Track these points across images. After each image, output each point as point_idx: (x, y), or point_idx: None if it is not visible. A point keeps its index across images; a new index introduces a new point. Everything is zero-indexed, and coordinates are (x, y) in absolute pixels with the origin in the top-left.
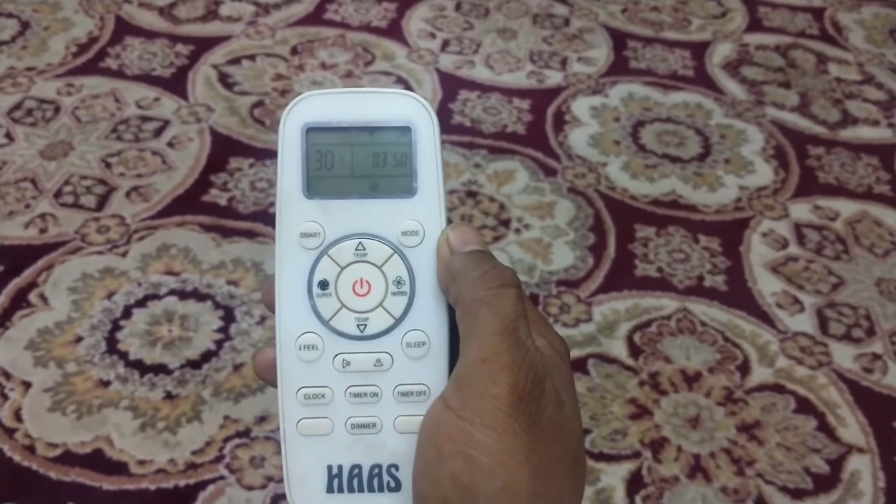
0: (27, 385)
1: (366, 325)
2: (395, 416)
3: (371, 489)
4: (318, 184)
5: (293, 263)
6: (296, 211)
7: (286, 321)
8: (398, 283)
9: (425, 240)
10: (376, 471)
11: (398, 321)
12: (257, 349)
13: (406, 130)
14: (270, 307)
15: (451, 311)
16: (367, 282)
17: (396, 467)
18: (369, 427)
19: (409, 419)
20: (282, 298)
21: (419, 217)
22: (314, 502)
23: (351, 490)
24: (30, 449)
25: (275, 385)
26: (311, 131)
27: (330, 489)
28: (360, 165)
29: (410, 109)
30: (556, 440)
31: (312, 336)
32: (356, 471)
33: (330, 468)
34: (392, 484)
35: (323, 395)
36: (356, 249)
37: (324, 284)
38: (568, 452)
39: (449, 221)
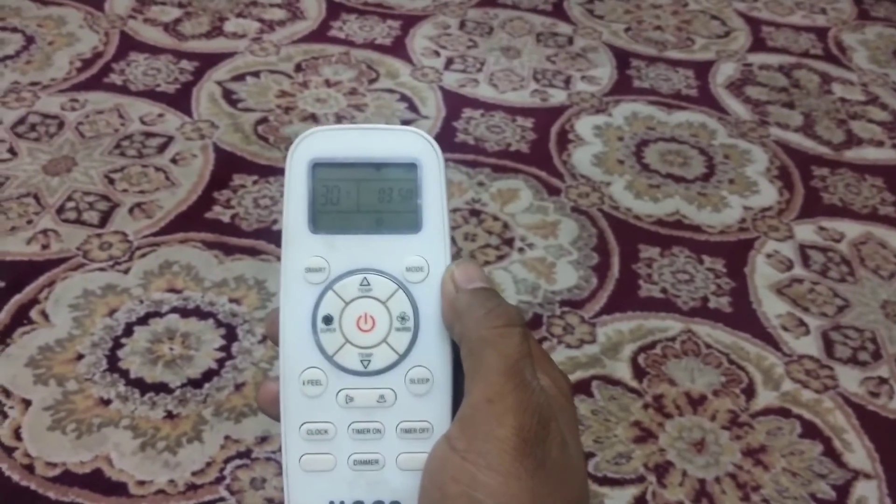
0: (27, 403)
1: (370, 361)
2: (398, 453)
3: None
4: (323, 219)
5: (298, 298)
6: (301, 246)
7: (290, 356)
8: (402, 318)
9: (430, 275)
10: None
11: (402, 357)
12: (261, 382)
13: (412, 167)
14: (274, 340)
15: (456, 348)
16: (371, 317)
17: None
18: (372, 464)
19: (412, 456)
20: (286, 333)
21: (424, 253)
22: None
23: None
24: (29, 468)
25: (278, 419)
26: (318, 167)
27: None
28: (365, 201)
29: (417, 146)
30: (560, 483)
31: (316, 371)
32: None
33: None
34: None
35: (326, 431)
36: (361, 284)
37: (328, 319)
38: (572, 495)
39: (454, 258)
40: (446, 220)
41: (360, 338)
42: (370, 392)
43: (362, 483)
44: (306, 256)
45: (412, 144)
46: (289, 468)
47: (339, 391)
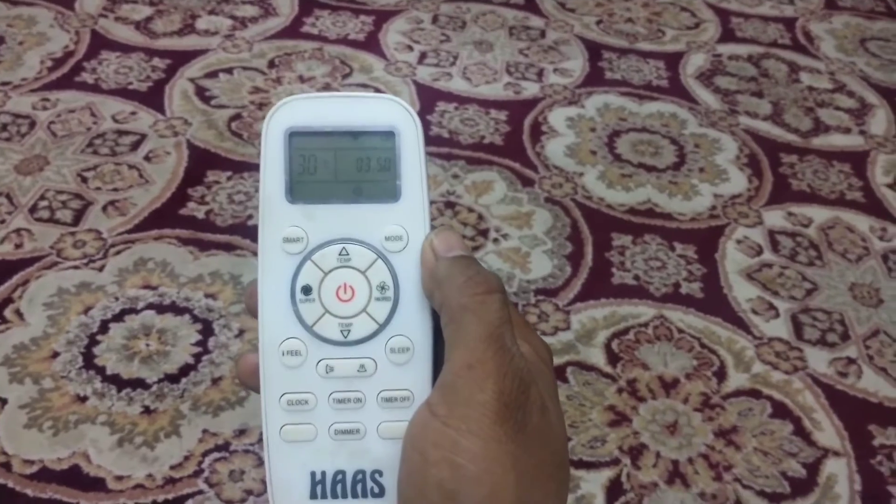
0: (3, 402)
1: (349, 331)
2: (379, 422)
3: (355, 495)
4: (301, 188)
5: (276, 268)
6: (279, 216)
7: (269, 326)
8: (382, 288)
9: (409, 245)
10: (360, 476)
11: (382, 327)
12: (240, 354)
13: (390, 135)
14: (253, 312)
15: (436, 317)
16: (350, 287)
17: (380, 473)
18: (353, 433)
19: (393, 425)
20: (265, 303)
21: (403, 222)
22: None
23: (335, 496)
24: (6, 466)
25: (257, 391)
26: (295, 135)
27: (313, 495)
28: (343, 170)
29: (394, 114)
30: (540, 446)
31: (295, 342)
32: (340, 476)
33: (313, 474)
34: (376, 490)
35: (306, 402)
36: (340, 254)
37: (307, 290)
38: (553, 458)
39: (433, 227)
40: (425, 188)
41: (340, 308)
42: (350, 362)
43: (344, 452)
44: (284, 226)
45: (390, 112)
46: (269, 439)
47: (319, 361)
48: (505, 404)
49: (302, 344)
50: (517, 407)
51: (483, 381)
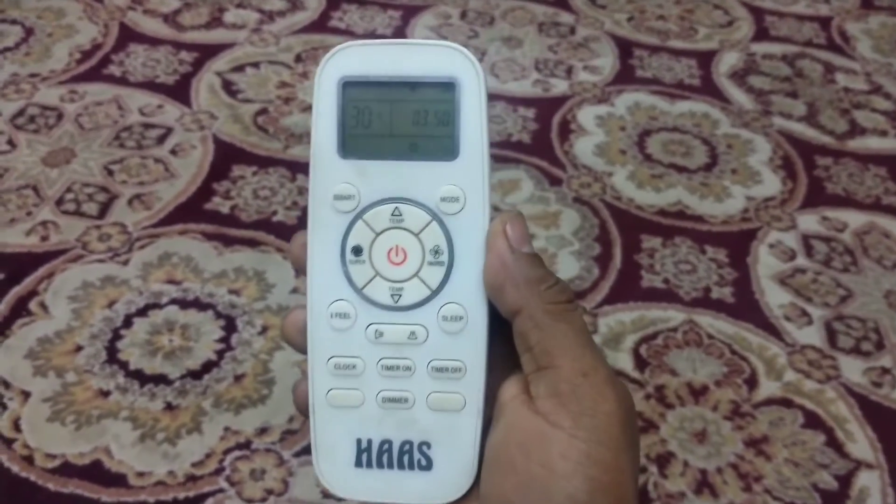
0: (26, 395)
1: (400, 296)
2: (429, 392)
3: (401, 466)
4: (354, 143)
5: (326, 227)
6: (330, 171)
7: (318, 287)
8: (436, 252)
9: (466, 207)
10: (407, 447)
11: (434, 293)
12: (288, 311)
13: (450, 86)
14: (301, 269)
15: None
16: (402, 249)
17: (428, 445)
18: (401, 402)
19: (444, 396)
20: (314, 263)
21: (460, 182)
22: (342, 476)
23: (380, 466)
24: (28, 459)
25: (302, 350)
26: (348, 86)
27: (359, 463)
28: (399, 124)
29: (456, 63)
30: (638, 447)
31: (345, 304)
32: (386, 446)
33: (359, 441)
34: (423, 462)
35: (354, 366)
36: (392, 214)
37: (357, 250)
38: (639, 462)
39: (492, 189)
40: (486, 146)
41: (391, 271)
42: (401, 328)
43: (391, 421)
44: (335, 183)
45: (451, 62)
46: (315, 403)
47: (369, 325)
48: (626, 411)
49: (351, 307)
50: (632, 412)
51: (603, 389)
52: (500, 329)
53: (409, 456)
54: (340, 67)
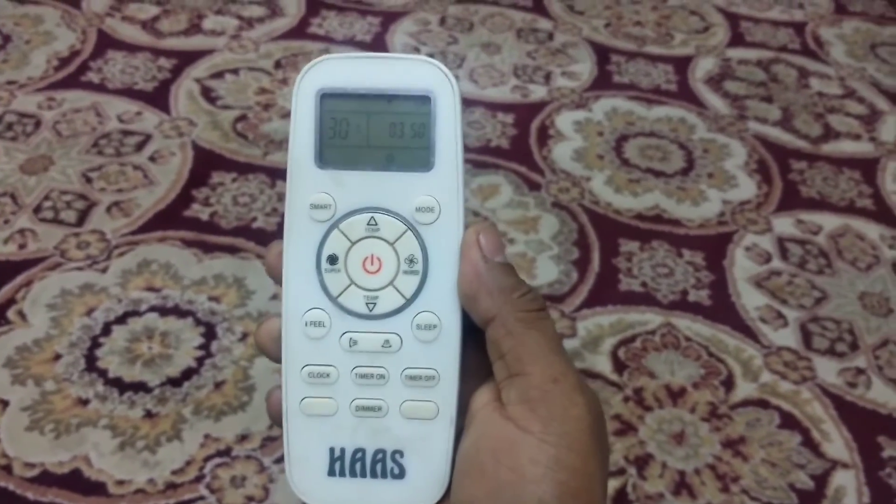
0: (5, 403)
1: (375, 304)
2: (402, 401)
3: (374, 475)
4: (331, 153)
5: (302, 235)
6: (307, 181)
7: (293, 295)
8: (410, 261)
9: (441, 217)
10: (380, 456)
11: (409, 301)
12: (262, 319)
13: (425, 100)
14: (276, 279)
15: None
16: (378, 258)
17: (401, 453)
18: (374, 410)
19: (417, 404)
20: (289, 271)
21: (435, 193)
22: (315, 485)
23: (353, 475)
24: (7, 469)
25: (276, 359)
26: (326, 97)
27: (332, 472)
28: (375, 135)
29: (431, 77)
30: (608, 452)
31: (319, 312)
32: (359, 455)
33: (332, 450)
34: (396, 471)
35: (328, 375)
36: (368, 224)
37: (333, 259)
38: (608, 470)
39: (471, 221)
40: (460, 158)
41: (366, 280)
42: (375, 336)
43: (364, 430)
44: (312, 192)
45: (426, 76)
46: (289, 412)
47: (343, 334)
48: (595, 417)
49: (326, 315)
50: (601, 418)
51: (572, 395)
52: (474, 338)
53: (382, 464)
54: (319, 79)
